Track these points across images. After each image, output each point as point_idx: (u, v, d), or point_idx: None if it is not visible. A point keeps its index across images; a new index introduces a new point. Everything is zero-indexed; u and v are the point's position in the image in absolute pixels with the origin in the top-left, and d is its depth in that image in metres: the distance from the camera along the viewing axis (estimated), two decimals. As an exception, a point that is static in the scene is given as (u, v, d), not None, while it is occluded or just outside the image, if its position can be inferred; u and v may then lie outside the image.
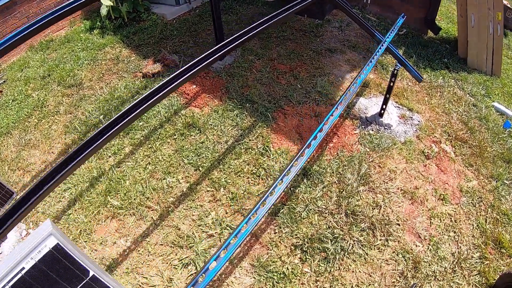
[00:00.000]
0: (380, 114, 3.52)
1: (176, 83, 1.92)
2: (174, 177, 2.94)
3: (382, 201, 2.91)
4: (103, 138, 1.71)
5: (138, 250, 2.63)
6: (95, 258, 2.61)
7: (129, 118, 1.76)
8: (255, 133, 3.22)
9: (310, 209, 2.80)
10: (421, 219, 2.83)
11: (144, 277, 2.53)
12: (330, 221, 2.72)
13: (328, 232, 2.69)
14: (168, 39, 4.73)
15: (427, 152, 3.33)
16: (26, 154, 3.23)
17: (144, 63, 4.12)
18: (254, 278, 2.44)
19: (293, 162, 2.01)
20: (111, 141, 3.18)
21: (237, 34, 2.19)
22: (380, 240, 2.66)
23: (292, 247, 2.62)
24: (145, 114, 3.35)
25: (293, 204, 2.80)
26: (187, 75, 1.96)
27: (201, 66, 2.02)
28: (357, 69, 4.25)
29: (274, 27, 4.66)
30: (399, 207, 2.92)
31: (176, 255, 2.60)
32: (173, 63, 3.95)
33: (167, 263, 2.57)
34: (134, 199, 2.83)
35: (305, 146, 2.11)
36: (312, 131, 3.28)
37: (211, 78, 3.81)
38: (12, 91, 4.04)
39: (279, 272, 2.45)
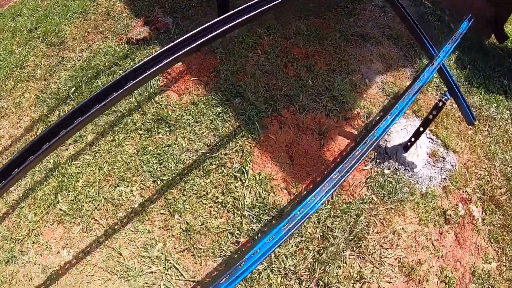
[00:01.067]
0: (405, 147, 2.50)
1: (151, 71, 1.28)
2: (128, 187, 2.47)
3: (370, 273, 2.20)
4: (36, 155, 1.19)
5: (78, 268, 2.37)
6: (39, 264, 2.43)
7: (72, 127, 1.20)
8: (234, 145, 2.49)
9: (274, 268, 2.16)
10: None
11: (79, 300, 2.30)
12: None
13: None
14: None
15: (449, 214, 2.46)
16: (-4, 126, 3.01)
17: (133, 23, 3.35)
18: None
19: (280, 226, 1.23)
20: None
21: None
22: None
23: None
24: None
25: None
26: (165, 61, 1.30)
27: (190, 47, 1.37)
28: (393, 71, 3.05)
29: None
30: (388, 283, 2.16)
31: (113, 284, 2.28)
32: (165, 27, 3.12)
33: (105, 288, 2.28)
34: (83, 205, 2.47)
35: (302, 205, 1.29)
36: (309, 157, 2.45)
37: (202, 54, 2.95)
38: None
39: None
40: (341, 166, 1.34)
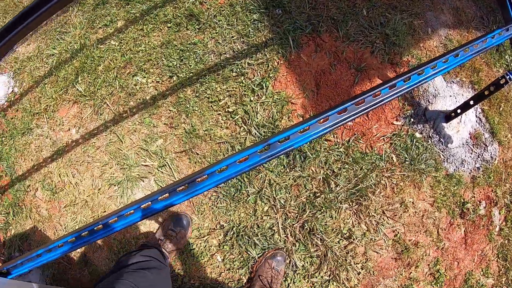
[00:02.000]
0: (448, 117, 2.08)
1: None
2: (145, 78, 2.35)
3: (361, 235, 1.97)
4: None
5: (82, 147, 2.37)
6: (50, 139, 2.46)
7: None
8: (261, 57, 2.23)
9: (264, 196, 1.96)
10: (390, 283, 1.79)
11: (79, 176, 2.31)
12: (277, 223, 1.87)
13: (267, 235, 1.92)
14: None
15: (468, 208, 2.11)
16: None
17: None
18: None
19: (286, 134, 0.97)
20: (108, 8, 2.65)
21: None
22: (322, 277, 1.79)
23: (217, 227, 1.94)
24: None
25: (246, 179, 1.98)
26: None
27: None
28: (462, 30, 2.49)
29: None
30: (376, 253, 1.90)
31: (110, 168, 2.26)
32: None
33: (100, 172, 2.26)
34: (98, 89, 2.42)
35: (316, 119, 1.01)
36: (337, 90, 2.14)
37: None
38: None
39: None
40: (351, 103, 1.00)
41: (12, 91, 2.78)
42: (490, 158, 2.28)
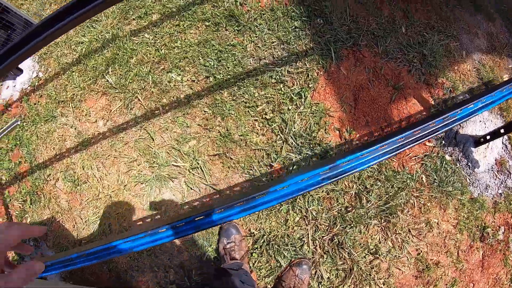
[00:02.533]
0: (477, 142, 2.13)
1: None
2: (180, 75, 2.31)
3: (387, 251, 1.99)
4: None
5: (110, 141, 2.32)
6: (75, 129, 2.41)
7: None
8: (301, 66, 2.21)
9: (296, 206, 1.95)
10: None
11: (104, 170, 2.26)
12: (308, 235, 1.87)
13: (296, 246, 1.92)
14: None
15: (488, 232, 2.14)
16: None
17: None
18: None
19: (319, 170, 0.94)
20: (143, 1, 2.59)
21: None
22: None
23: (247, 234, 1.94)
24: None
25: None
26: None
27: None
28: (495, 56, 2.51)
29: None
30: (399, 269, 1.93)
31: (138, 165, 2.22)
32: None
33: (127, 168, 2.22)
34: (130, 82, 2.37)
35: (378, 146, 0.99)
36: (374, 106, 2.15)
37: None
38: None
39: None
40: (409, 132, 1.03)
41: (37, 75, 2.71)
42: (512, 185, 2.31)
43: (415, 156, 2.17)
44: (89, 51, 2.55)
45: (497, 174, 2.30)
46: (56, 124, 2.48)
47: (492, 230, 2.22)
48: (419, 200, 2.14)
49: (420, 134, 1.06)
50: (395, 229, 2.08)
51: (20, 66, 2.76)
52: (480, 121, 2.34)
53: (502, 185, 2.30)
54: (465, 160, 2.26)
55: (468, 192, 2.21)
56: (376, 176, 2.10)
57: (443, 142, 2.25)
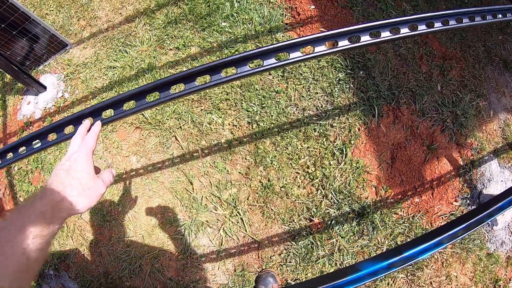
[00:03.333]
0: None
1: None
2: (221, 118, 2.27)
3: None
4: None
5: (143, 179, 2.27)
6: (104, 160, 2.34)
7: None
8: (344, 121, 2.23)
9: (332, 259, 2.03)
10: None
11: (136, 208, 2.23)
12: None
13: None
14: None
15: (500, 285, 2.28)
16: (97, 4, 2.75)
17: None
18: None
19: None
20: (181, 30, 2.50)
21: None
22: None
23: (283, 284, 1.99)
24: (234, 15, 2.48)
25: (319, 242, 2.03)
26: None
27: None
28: None
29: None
30: None
31: (174, 207, 2.18)
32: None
33: (162, 209, 2.19)
34: (167, 119, 2.31)
35: None
36: (410, 166, 2.22)
37: (339, 7, 2.56)
38: None
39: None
40: (467, 224, 1.10)
41: (62, 95, 2.59)
42: (524, 242, 2.48)
43: (443, 215, 2.27)
44: (121, 77, 2.45)
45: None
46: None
47: (504, 283, 2.38)
48: (443, 255, 2.25)
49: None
50: (419, 282, 2.19)
51: (43, 82, 2.62)
52: (502, 181, 2.47)
53: (517, 240, 2.46)
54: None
55: (485, 248, 2.35)
56: (407, 233, 2.19)
57: (468, 201, 2.36)
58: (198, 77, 0.93)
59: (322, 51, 0.96)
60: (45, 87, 2.62)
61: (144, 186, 2.25)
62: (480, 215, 1.05)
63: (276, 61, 0.94)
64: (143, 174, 2.28)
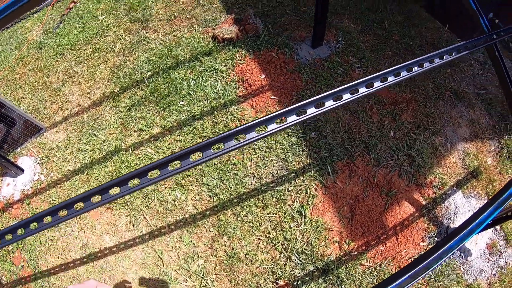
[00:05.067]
0: None
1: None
2: (184, 194, 2.43)
3: None
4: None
5: (117, 256, 2.40)
6: (80, 240, 2.47)
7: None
8: (300, 183, 2.39)
9: None
10: None
11: (112, 285, 2.34)
12: None
13: None
14: None
15: None
16: (68, 88, 2.99)
17: (223, 17, 3.20)
18: None
19: None
20: (144, 111, 2.71)
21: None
22: None
23: None
24: (191, 93, 2.70)
25: None
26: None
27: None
28: (477, 142, 2.77)
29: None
30: None
31: (146, 283, 2.30)
32: (254, 31, 2.97)
33: (136, 285, 2.30)
34: (135, 199, 2.47)
35: None
36: (370, 217, 2.34)
37: (288, 73, 2.80)
38: (83, 6, 3.69)
39: None
40: (426, 262, 1.19)
41: (39, 178, 2.75)
42: (504, 264, 2.51)
43: (411, 257, 2.38)
44: (92, 160, 2.63)
45: (489, 257, 2.53)
46: (60, 233, 2.54)
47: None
48: (418, 297, 2.34)
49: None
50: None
51: (21, 164, 2.80)
52: (469, 211, 2.57)
53: (494, 266, 2.52)
54: (458, 251, 2.48)
55: (463, 281, 2.41)
56: (376, 281, 2.29)
57: (436, 239, 2.46)
58: (171, 163, 1.07)
59: (274, 128, 1.08)
60: (22, 170, 2.79)
61: (117, 262, 2.38)
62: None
63: (236, 143, 1.07)
64: (116, 251, 2.41)
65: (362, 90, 1.17)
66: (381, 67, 2.99)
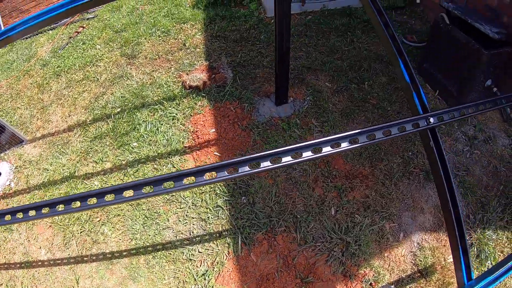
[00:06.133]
0: None
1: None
2: (111, 231, 2.64)
3: None
4: None
5: (47, 269, 2.67)
6: (24, 247, 2.78)
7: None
8: (213, 248, 2.46)
9: None
10: None
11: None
12: None
13: None
14: (247, 42, 3.68)
15: None
16: (53, 109, 3.36)
17: (199, 62, 3.37)
18: None
19: None
20: (103, 145, 2.97)
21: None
22: None
23: None
24: (145, 135, 2.91)
25: None
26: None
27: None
28: (440, 234, 2.46)
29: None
30: None
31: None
32: (222, 81, 3.08)
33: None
34: (71, 224, 2.73)
35: None
36: None
37: (239, 130, 2.88)
38: (88, 32, 4.10)
39: None
40: None
41: (9, 184, 3.14)
42: None
43: None
44: (50, 181, 2.94)
45: None
46: (11, 236, 2.87)
47: None
48: None
49: None
50: None
51: (0, 168, 3.22)
52: None
53: None
54: None
55: None
56: None
57: None
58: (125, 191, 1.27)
59: (203, 180, 1.18)
60: (0, 173, 3.21)
61: (46, 275, 2.60)
62: None
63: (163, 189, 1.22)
64: (47, 265, 2.67)
65: (307, 155, 1.16)
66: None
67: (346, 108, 3.09)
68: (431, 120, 1.41)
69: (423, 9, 4.18)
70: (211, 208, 2.58)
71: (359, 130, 1.21)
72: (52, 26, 4.22)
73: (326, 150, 1.17)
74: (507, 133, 2.98)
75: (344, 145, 1.18)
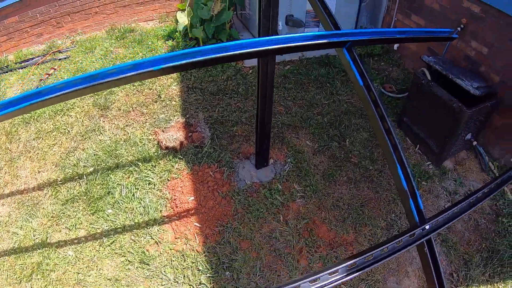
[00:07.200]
0: None
1: None
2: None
3: None
4: None
5: None
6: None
7: None
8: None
9: None
10: None
11: None
12: None
13: None
14: (224, 94, 3.55)
15: None
16: (22, 162, 3.16)
17: (175, 118, 3.22)
18: None
19: None
20: (76, 210, 2.84)
21: None
22: None
23: None
24: (121, 201, 2.80)
25: None
26: None
27: None
28: None
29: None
30: None
31: None
32: (199, 141, 2.97)
33: None
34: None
35: None
36: None
37: (219, 197, 2.81)
38: (60, 75, 3.90)
39: None
40: None
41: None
42: None
43: None
44: (20, 246, 2.80)
45: None
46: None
47: None
48: None
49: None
50: None
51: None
52: None
53: None
54: None
55: None
56: None
57: None
58: None
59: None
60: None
61: None
62: None
63: None
64: None
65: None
66: (327, 198, 2.91)
67: (328, 169, 3.05)
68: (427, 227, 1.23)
69: (400, 56, 4.17)
70: (194, 285, 2.52)
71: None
72: (23, 64, 3.94)
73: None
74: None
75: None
